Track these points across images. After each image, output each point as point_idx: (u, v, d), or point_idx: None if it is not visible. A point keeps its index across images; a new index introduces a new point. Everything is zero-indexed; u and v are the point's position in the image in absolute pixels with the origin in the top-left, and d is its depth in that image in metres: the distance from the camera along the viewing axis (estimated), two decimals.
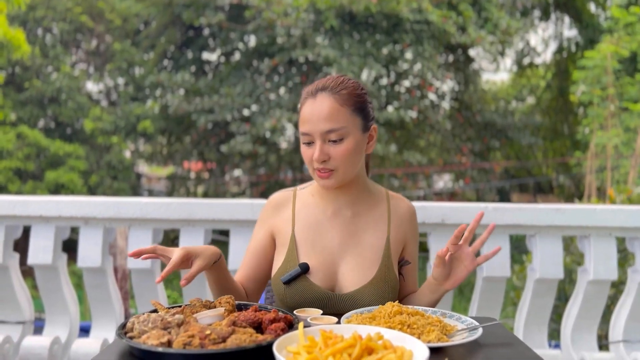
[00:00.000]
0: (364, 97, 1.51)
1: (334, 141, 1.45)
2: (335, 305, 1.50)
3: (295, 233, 1.57)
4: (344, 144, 1.46)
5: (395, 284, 1.55)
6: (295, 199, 1.63)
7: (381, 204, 1.62)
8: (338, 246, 1.55)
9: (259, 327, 1.18)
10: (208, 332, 1.08)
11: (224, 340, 1.07)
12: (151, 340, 1.07)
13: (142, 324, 1.14)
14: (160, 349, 1.04)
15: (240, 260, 2.24)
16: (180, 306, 1.29)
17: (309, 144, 1.48)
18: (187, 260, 1.36)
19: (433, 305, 1.57)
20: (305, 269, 1.51)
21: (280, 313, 1.22)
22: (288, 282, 1.50)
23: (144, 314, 1.23)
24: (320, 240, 1.56)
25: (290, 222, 1.59)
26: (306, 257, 1.53)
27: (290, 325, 1.19)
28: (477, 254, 1.51)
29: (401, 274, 1.62)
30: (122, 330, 1.16)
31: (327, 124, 1.44)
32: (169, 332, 1.10)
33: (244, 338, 1.08)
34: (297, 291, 1.50)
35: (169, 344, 1.06)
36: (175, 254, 1.34)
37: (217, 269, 1.47)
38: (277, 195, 1.67)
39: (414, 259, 1.66)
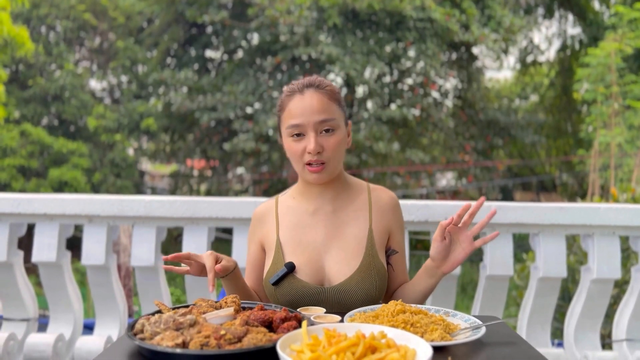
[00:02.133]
0: (341, 95, 1.60)
1: (327, 131, 1.50)
2: (326, 299, 1.53)
3: (279, 236, 1.61)
4: (336, 135, 1.52)
5: (383, 272, 1.58)
6: (277, 206, 1.67)
7: (361, 196, 1.66)
8: (322, 241, 1.58)
9: (269, 326, 1.18)
10: (223, 332, 1.08)
11: (239, 340, 1.07)
12: (166, 342, 1.06)
13: (154, 325, 1.14)
14: (178, 351, 1.03)
15: (244, 258, 2.24)
16: (187, 306, 1.29)
17: (299, 136, 1.51)
18: (215, 262, 1.44)
19: (429, 291, 1.59)
20: (290, 267, 1.53)
21: (289, 312, 1.22)
22: (277, 283, 1.53)
23: (153, 314, 1.23)
24: (304, 238, 1.59)
25: (274, 228, 1.63)
26: (292, 256, 1.57)
27: (301, 324, 1.19)
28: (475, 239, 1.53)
29: (390, 264, 1.65)
30: (132, 331, 1.15)
31: (320, 115, 1.50)
32: (182, 333, 1.10)
33: (260, 337, 1.08)
34: (287, 290, 1.53)
35: (184, 345, 1.06)
36: (207, 259, 1.42)
37: (234, 277, 1.52)
38: (259, 208, 1.71)
39: (401, 248, 1.68)
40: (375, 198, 1.66)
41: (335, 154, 1.51)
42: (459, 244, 1.50)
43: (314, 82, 1.55)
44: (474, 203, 1.49)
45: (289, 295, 1.53)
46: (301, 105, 1.50)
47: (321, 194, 1.62)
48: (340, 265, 1.55)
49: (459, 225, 1.48)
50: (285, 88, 1.59)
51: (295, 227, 1.61)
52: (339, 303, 1.51)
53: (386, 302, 1.61)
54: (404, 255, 1.69)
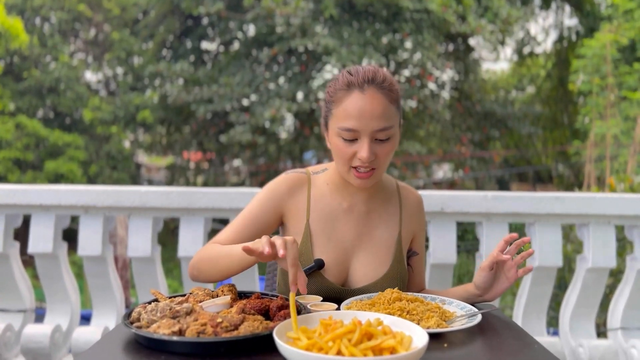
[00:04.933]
0: (400, 93, 1.47)
1: (381, 140, 1.39)
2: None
3: (310, 223, 1.53)
4: (390, 143, 1.41)
5: (406, 280, 1.56)
6: (310, 185, 1.57)
7: (393, 199, 1.60)
8: (351, 241, 1.54)
9: (266, 314, 1.19)
10: (219, 320, 1.08)
11: (236, 327, 1.07)
12: (162, 330, 1.06)
13: (151, 313, 1.14)
14: (175, 338, 1.03)
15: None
16: (183, 295, 1.29)
17: (352, 140, 1.39)
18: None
19: None
20: (320, 265, 1.49)
21: (286, 300, 1.23)
22: None
23: (150, 303, 1.23)
24: (334, 234, 1.53)
25: (305, 210, 1.54)
26: (320, 251, 1.51)
27: (298, 312, 1.19)
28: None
29: (409, 265, 1.62)
30: (128, 319, 1.15)
31: (379, 123, 1.37)
32: (178, 321, 1.10)
33: (256, 325, 1.08)
34: (310, 286, 1.48)
35: (180, 332, 1.06)
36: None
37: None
38: (293, 176, 1.58)
39: (422, 249, 1.65)
40: (404, 200, 1.61)
41: (386, 161, 1.42)
42: (503, 274, 1.44)
43: (377, 78, 1.39)
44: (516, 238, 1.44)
45: (311, 291, 1.48)
46: (360, 107, 1.36)
47: (355, 192, 1.55)
48: (367, 269, 1.51)
49: (506, 253, 1.41)
50: (342, 76, 1.42)
51: (327, 220, 1.53)
52: None
53: None
54: (423, 257, 1.67)
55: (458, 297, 1.49)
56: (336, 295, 1.50)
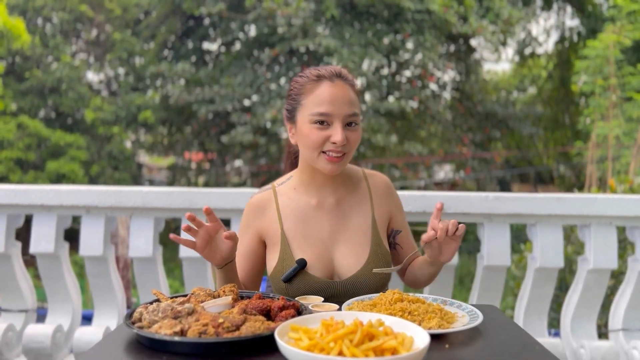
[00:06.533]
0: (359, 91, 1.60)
1: (350, 125, 1.49)
2: (337, 292, 1.54)
3: (284, 230, 1.58)
4: (358, 131, 1.51)
5: (388, 259, 1.60)
6: (276, 197, 1.63)
7: (361, 185, 1.66)
8: (328, 235, 1.58)
9: (267, 315, 1.19)
10: (221, 320, 1.08)
11: (237, 328, 1.08)
12: (164, 330, 1.06)
13: (152, 313, 1.14)
14: (176, 338, 1.04)
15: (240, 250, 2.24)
16: (185, 295, 1.29)
17: (323, 124, 1.47)
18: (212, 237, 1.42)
19: (434, 275, 1.62)
20: (303, 264, 1.52)
21: (287, 301, 1.23)
22: (289, 280, 1.52)
23: (151, 303, 1.23)
24: (310, 232, 1.58)
25: (277, 220, 1.60)
26: (300, 251, 1.55)
27: (299, 312, 1.19)
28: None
29: (397, 244, 1.67)
30: (129, 320, 1.15)
31: (350, 108, 1.48)
32: (180, 322, 1.10)
33: (258, 325, 1.09)
34: (299, 286, 1.52)
35: (182, 333, 1.07)
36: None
37: (232, 268, 1.49)
38: (256, 198, 1.65)
39: (404, 226, 1.70)
40: (373, 185, 1.67)
41: (353, 148, 1.51)
42: (444, 242, 1.44)
43: (341, 73, 1.53)
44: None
45: (300, 291, 1.52)
46: (332, 93, 1.47)
47: (324, 185, 1.60)
48: (350, 259, 1.55)
49: (434, 232, 1.40)
50: (309, 72, 1.53)
51: (300, 221, 1.58)
52: (351, 295, 1.50)
53: (402, 277, 1.68)
54: (408, 232, 1.70)
55: (424, 269, 1.58)
56: (327, 289, 1.53)
